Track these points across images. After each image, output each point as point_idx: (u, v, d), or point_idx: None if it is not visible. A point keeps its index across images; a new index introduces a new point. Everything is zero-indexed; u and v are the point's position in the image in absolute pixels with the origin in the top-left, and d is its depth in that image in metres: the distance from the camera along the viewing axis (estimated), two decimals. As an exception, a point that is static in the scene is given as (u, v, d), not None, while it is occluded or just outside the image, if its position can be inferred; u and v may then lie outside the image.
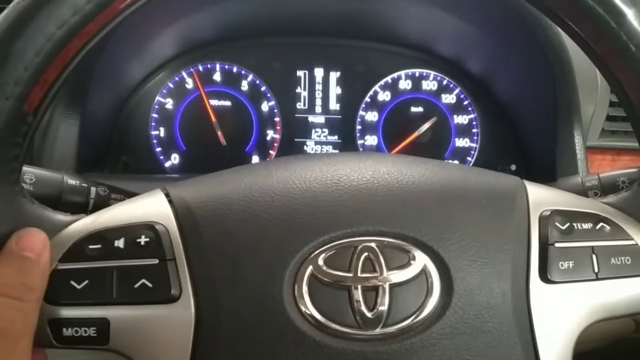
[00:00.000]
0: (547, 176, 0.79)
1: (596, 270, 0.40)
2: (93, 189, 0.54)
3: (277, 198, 0.40)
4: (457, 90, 0.95)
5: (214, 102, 0.93)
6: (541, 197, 0.43)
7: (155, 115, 0.92)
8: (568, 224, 0.41)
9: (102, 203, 0.54)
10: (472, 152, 0.95)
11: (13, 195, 0.38)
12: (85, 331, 0.37)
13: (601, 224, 0.42)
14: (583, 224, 0.42)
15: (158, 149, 0.93)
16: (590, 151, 0.82)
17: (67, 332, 0.37)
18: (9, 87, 0.34)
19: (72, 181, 0.52)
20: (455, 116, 0.95)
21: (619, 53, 0.39)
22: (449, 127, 0.95)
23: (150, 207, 0.40)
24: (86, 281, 0.37)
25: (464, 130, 0.95)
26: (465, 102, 0.95)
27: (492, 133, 0.95)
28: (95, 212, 0.41)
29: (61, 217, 0.40)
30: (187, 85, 0.93)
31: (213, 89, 0.94)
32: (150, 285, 0.37)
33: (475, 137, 0.95)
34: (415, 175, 0.42)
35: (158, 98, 0.92)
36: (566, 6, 0.40)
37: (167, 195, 0.41)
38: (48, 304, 0.37)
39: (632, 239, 0.42)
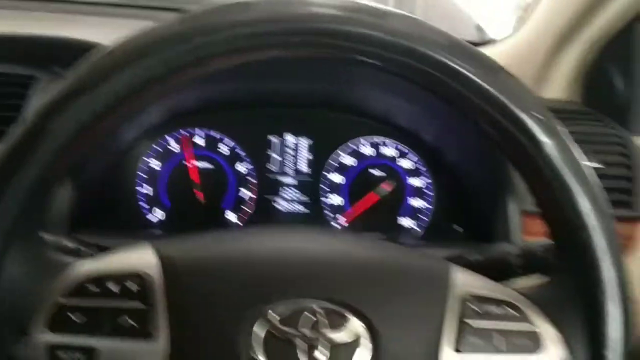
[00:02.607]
0: (487, 237, 0.91)
1: (502, 348, 0.48)
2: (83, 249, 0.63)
3: (242, 262, 0.50)
4: (413, 157, 1.07)
5: (195, 164, 1.04)
6: (463, 281, 0.51)
7: (141, 174, 1.02)
8: (483, 307, 0.49)
9: None
10: (427, 212, 1.06)
11: (36, 247, 0.50)
12: (79, 358, 0.46)
13: (510, 310, 0.50)
14: (495, 309, 0.49)
15: (144, 206, 1.03)
16: (526, 215, 0.93)
17: (64, 355, 0.46)
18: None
19: (66, 242, 0.61)
20: (411, 179, 1.07)
21: (536, 174, 0.47)
22: (406, 189, 1.06)
23: (141, 258, 0.50)
24: (84, 317, 0.47)
25: (419, 193, 1.07)
26: (421, 168, 1.07)
27: (444, 196, 1.06)
28: (97, 257, 0.51)
29: (69, 259, 0.51)
30: (170, 148, 1.03)
31: (195, 152, 1.04)
32: (135, 324, 0.46)
33: (429, 199, 1.06)
34: (360, 253, 0.53)
35: (144, 158, 1.02)
36: (489, 128, 0.48)
37: (154, 247, 0.51)
38: (51, 332, 0.46)
39: (534, 326, 0.49)
